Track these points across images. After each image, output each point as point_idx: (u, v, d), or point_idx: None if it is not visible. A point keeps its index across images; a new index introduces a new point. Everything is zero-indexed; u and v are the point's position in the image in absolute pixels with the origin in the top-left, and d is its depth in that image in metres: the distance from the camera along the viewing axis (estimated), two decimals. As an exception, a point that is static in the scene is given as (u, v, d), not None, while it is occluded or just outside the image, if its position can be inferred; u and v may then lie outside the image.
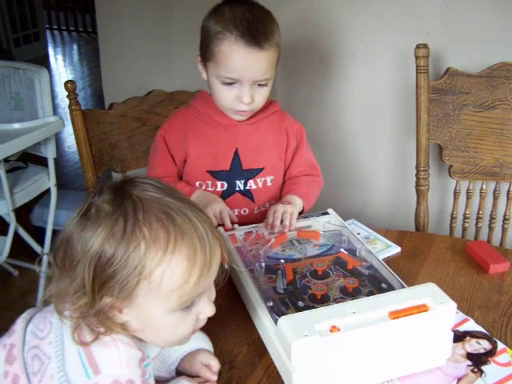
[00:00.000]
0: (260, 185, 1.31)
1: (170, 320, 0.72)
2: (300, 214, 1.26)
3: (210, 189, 1.29)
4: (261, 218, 1.25)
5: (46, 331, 0.73)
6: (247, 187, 1.30)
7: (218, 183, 1.28)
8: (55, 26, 7.33)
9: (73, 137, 1.40)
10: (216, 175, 1.28)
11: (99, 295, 0.68)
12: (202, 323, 0.78)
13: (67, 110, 1.39)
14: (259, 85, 1.19)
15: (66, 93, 1.36)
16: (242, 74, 1.16)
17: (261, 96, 1.21)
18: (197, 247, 0.69)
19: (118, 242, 0.66)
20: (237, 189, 1.29)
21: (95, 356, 0.68)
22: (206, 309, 0.76)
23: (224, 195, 1.29)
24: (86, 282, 0.67)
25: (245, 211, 1.31)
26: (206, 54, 1.19)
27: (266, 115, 1.29)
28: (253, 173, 1.30)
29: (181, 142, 1.27)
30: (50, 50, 6.53)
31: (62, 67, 6.05)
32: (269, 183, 1.32)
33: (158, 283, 0.68)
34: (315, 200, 1.34)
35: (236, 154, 1.28)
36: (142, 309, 0.70)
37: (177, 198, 0.72)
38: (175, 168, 1.30)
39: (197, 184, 1.29)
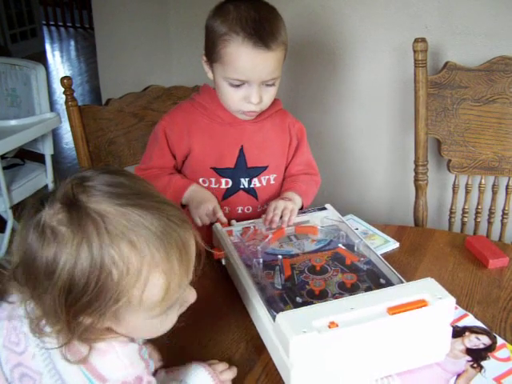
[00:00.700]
0: (264, 183, 1.30)
1: (156, 322, 0.69)
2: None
3: (213, 186, 1.27)
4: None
5: (22, 345, 0.68)
6: (251, 185, 1.29)
7: (223, 180, 1.27)
8: (52, 22, 7.30)
9: (70, 133, 1.40)
10: (221, 172, 1.27)
11: (76, 321, 0.63)
12: (185, 308, 0.75)
13: (65, 107, 1.38)
14: (267, 85, 1.18)
15: (63, 89, 1.35)
16: (250, 75, 1.14)
17: (269, 95, 1.20)
18: (172, 257, 0.64)
19: (88, 272, 0.61)
20: (241, 186, 1.28)
21: (97, 367, 0.65)
22: (189, 297, 0.73)
23: (228, 193, 1.28)
24: (59, 313, 0.62)
25: (248, 209, 1.30)
26: (212, 55, 1.17)
27: (269, 114, 1.28)
28: (257, 171, 1.29)
29: (183, 136, 1.26)
30: (48, 46, 6.52)
31: (59, 63, 6.03)
32: (272, 181, 1.31)
33: (138, 303, 0.64)
34: (313, 198, 1.34)
35: (241, 151, 1.26)
36: (124, 322, 0.66)
37: (137, 203, 0.64)
38: (173, 162, 1.28)
39: (200, 180, 1.27)
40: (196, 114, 1.26)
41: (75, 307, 0.62)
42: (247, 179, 1.28)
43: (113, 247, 0.61)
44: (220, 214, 1.18)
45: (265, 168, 1.29)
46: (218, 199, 1.28)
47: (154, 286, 0.64)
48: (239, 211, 1.29)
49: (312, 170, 1.37)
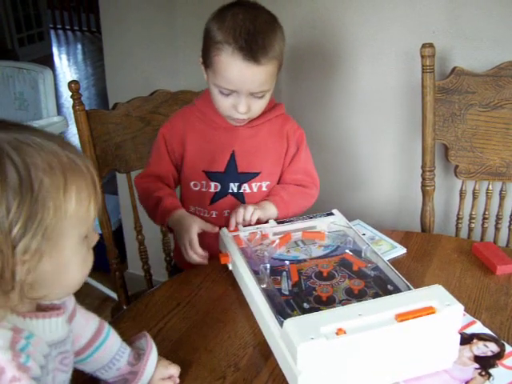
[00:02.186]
0: (255, 189, 1.30)
1: (82, 253, 0.68)
2: None
3: (204, 189, 1.29)
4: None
5: None
6: (241, 190, 1.29)
7: (212, 184, 1.28)
8: (59, 26, 7.34)
9: (77, 137, 1.40)
10: (211, 176, 1.28)
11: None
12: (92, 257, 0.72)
13: (72, 110, 1.38)
14: (256, 96, 1.18)
15: (70, 93, 1.35)
16: (238, 86, 1.16)
17: (258, 106, 1.21)
18: (90, 170, 0.67)
19: (19, 188, 0.59)
20: (230, 191, 1.29)
21: None
22: (95, 236, 0.72)
23: (216, 197, 1.29)
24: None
25: None
26: (207, 60, 1.19)
27: (267, 118, 1.28)
28: (248, 176, 1.29)
29: (181, 141, 1.28)
30: (55, 50, 6.55)
31: (66, 67, 6.06)
32: (264, 188, 1.31)
33: (72, 212, 0.63)
34: (299, 212, 1.31)
35: (232, 155, 1.27)
36: (56, 252, 0.64)
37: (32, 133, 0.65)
38: (169, 169, 1.30)
39: (191, 184, 1.29)
40: (194, 118, 1.29)
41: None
42: (237, 184, 1.29)
43: (35, 156, 0.61)
44: (196, 247, 1.16)
45: (257, 174, 1.29)
46: (207, 203, 1.29)
47: (79, 195, 0.64)
48: (225, 214, 1.29)
49: (309, 180, 1.35)
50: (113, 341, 0.84)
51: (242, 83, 1.15)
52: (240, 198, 1.30)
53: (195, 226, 1.17)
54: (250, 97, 1.18)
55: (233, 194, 1.29)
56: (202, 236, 1.23)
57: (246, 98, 1.17)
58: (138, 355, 0.85)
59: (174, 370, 0.87)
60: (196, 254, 1.16)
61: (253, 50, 1.11)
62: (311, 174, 1.36)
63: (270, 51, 1.14)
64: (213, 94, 1.21)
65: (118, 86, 2.08)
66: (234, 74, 1.14)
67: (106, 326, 0.85)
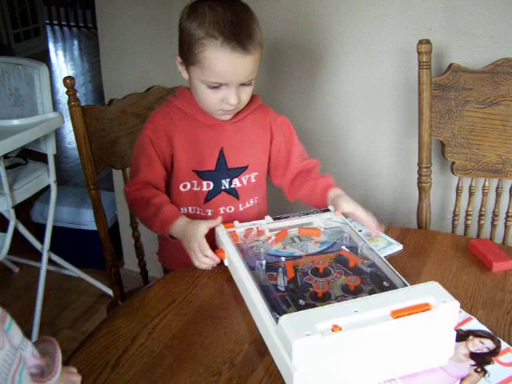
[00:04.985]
0: (245, 182, 1.30)
1: None
2: None
3: (195, 189, 1.27)
4: (245, 214, 1.28)
5: None
6: (232, 185, 1.29)
7: (204, 183, 1.27)
8: (55, 22, 7.33)
9: (73, 133, 1.39)
10: (202, 175, 1.27)
11: None
12: None
13: (67, 106, 1.37)
14: (244, 84, 1.18)
15: (66, 88, 1.34)
16: (229, 79, 1.15)
17: (246, 94, 1.21)
18: None
19: None
20: (222, 188, 1.29)
21: None
22: None
23: (210, 195, 1.28)
24: None
25: (230, 209, 1.31)
26: (190, 58, 1.17)
27: (249, 111, 1.28)
28: (238, 171, 1.29)
29: (168, 141, 1.25)
30: (51, 46, 6.54)
31: (62, 63, 6.05)
32: (253, 180, 1.32)
33: None
34: None
35: (221, 153, 1.27)
36: None
37: None
38: (162, 172, 1.26)
39: (181, 186, 1.27)
40: (175, 118, 1.26)
41: None
42: (228, 180, 1.29)
43: None
44: (206, 250, 1.11)
45: (245, 168, 1.30)
46: (201, 202, 1.28)
47: None
48: (221, 212, 1.30)
49: (306, 156, 1.37)
50: (15, 332, 0.75)
51: (232, 75, 1.14)
52: (233, 193, 1.30)
53: (201, 229, 1.12)
54: (239, 86, 1.18)
55: (225, 190, 1.29)
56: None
57: (236, 89, 1.17)
58: (43, 354, 0.78)
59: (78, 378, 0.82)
60: (207, 256, 1.11)
61: (241, 40, 1.11)
62: (304, 151, 1.39)
63: (255, 38, 1.14)
64: (199, 90, 1.19)
65: (114, 83, 2.08)
66: (224, 66, 1.13)
67: (8, 316, 0.76)
